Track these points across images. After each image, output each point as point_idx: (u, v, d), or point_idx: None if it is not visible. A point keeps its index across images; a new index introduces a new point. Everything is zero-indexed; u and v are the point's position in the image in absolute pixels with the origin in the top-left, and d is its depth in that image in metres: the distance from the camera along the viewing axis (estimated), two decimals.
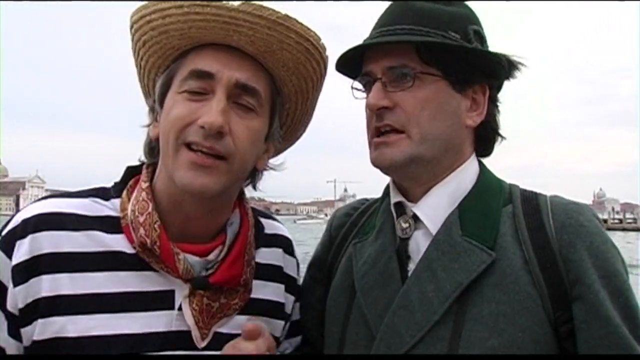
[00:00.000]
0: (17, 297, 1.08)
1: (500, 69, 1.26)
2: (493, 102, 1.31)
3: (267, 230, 1.40)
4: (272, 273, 1.36)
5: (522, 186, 1.32)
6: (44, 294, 1.09)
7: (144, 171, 1.25)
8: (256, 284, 1.29)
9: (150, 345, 1.14)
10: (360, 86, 1.32)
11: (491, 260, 1.14)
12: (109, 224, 1.18)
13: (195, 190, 1.13)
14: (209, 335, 1.19)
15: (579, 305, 1.11)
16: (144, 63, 1.22)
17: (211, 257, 1.22)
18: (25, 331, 1.09)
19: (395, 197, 1.32)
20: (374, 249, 1.30)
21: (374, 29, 1.26)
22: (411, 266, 1.24)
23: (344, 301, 1.31)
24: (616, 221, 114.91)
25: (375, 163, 1.25)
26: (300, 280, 1.48)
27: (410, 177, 1.28)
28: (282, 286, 1.38)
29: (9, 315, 1.09)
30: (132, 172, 1.27)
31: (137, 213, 1.17)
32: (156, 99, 1.21)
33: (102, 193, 1.23)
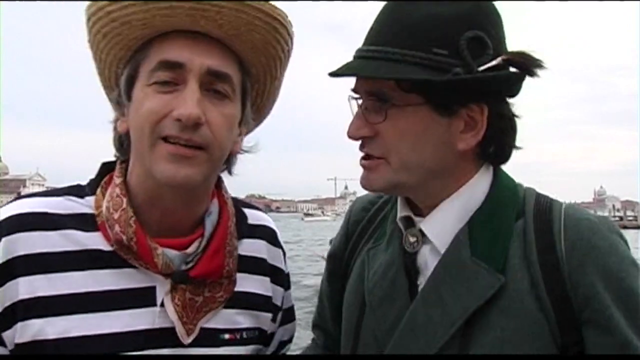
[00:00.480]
0: None
1: (500, 82, 1.13)
2: (499, 116, 1.16)
3: (251, 221, 1.37)
4: (256, 265, 1.34)
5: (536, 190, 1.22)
6: (21, 296, 1.07)
7: (117, 167, 1.22)
8: (240, 276, 1.27)
9: (133, 343, 1.12)
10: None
11: (500, 285, 1.08)
12: (85, 222, 1.16)
13: (178, 182, 1.10)
14: (194, 331, 1.17)
15: (591, 329, 1.04)
16: (105, 56, 1.17)
17: (190, 250, 1.18)
18: (6, 335, 1.08)
19: (402, 211, 1.25)
20: (385, 258, 1.25)
21: (363, 42, 1.19)
22: (421, 280, 1.19)
23: (356, 310, 1.27)
24: (616, 219, 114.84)
25: (362, 185, 1.21)
26: (286, 270, 1.45)
27: (409, 196, 1.24)
28: (268, 279, 1.36)
29: None
30: (107, 169, 1.25)
31: (111, 210, 1.15)
32: (122, 93, 1.16)
33: (76, 191, 1.21)
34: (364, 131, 1.16)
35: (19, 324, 1.07)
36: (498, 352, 1.04)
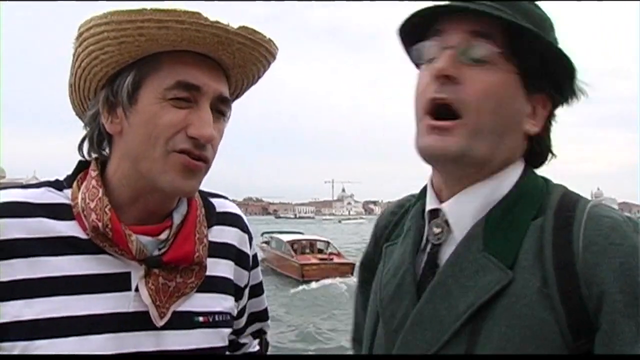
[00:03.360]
0: None
1: (571, 82, 1.12)
2: (550, 119, 1.15)
3: (219, 209, 1.43)
4: (226, 251, 1.39)
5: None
6: (1, 279, 1.12)
7: (92, 162, 1.26)
8: (211, 261, 1.32)
9: (109, 325, 1.16)
10: (422, 52, 1.15)
11: (507, 281, 1.03)
12: (62, 211, 1.21)
13: (184, 193, 1.22)
14: (167, 314, 1.21)
15: (600, 336, 0.96)
16: (107, 56, 1.17)
17: (162, 236, 1.24)
18: None
19: (431, 204, 1.19)
20: (399, 254, 1.22)
21: None
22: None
23: (373, 313, 1.26)
24: None
25: (427, 151, 1.10)
26: (251, 253, 1.49)
27: (450, 174, 1.15)
28: (233, 263, 1.41)
29: None
30: (82, 166, 1.30)
31: (87, 200, 1.20)
32: (123, 95, 1.19)
33: (55, 184, 1.27)
34: (453, 71, 1.06)
35: (2, 304, 1.11)
36: (503, 350, 1.00)
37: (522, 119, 1.11)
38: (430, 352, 1.06)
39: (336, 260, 25.81)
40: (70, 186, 1.25)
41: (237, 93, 1.35)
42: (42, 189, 1.24)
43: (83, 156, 1.29)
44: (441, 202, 1.16)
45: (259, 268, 1.54)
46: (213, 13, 1.16)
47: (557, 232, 1.04)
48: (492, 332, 1.02)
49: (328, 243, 28.73)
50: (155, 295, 1.20)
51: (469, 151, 1.07)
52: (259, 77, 1.34)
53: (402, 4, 1.32)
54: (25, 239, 1.15)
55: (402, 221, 1.31)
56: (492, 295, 1.03)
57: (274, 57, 1.28)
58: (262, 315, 1.58)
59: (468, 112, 1.06)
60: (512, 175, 1.13)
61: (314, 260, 25.67)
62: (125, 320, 1.18)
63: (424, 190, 1.24)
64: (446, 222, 1.14)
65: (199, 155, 1.18)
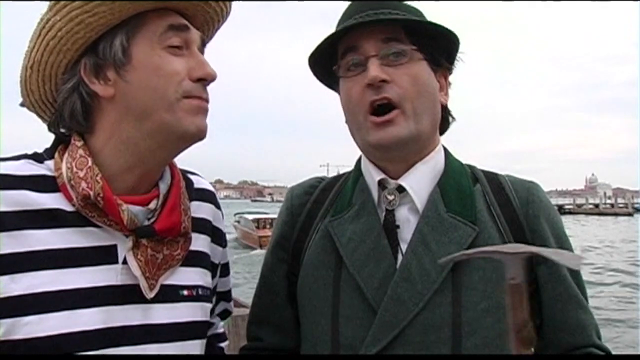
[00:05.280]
0: None
1: (456, 52, 1.40)
2: (449, 87, 1.42)
3: (196, 185, 1.43)
4: (204, 226, 1.40)
5: (513, 171, 1.41)
6: None
7: (74, 133, 1.24)
8: (193, 236, 1.32)
9: (97, 299, 1.14)
10: (342, 69, 1.36)
11: (475, 234, 1.29)
12: (45, 183, 1.18)
13: (203, 133, 1.23)
14: (156, 287, 1.21)
15: (543, 267, 1.32)
16: (95, 19, 1.16)
17: (151, 205, 1.23)
18: None
19: (377, 176, 1.38)
20: (358, 227, 1.36)
21: (346, 17, 1.33)
22: (400, 238, 1.32)
23: (329, 277, 1.35)
24: (608, 206, 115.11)
25: (381, 142, 1.30)
26: (224, 230, 1.52)
27: (401, 155, 1.35)
28: (209, 238, 1.42)
29: None
30: (59, 139, 1.27)
31: (75, 169, 1.17)
32: (117, 56, 1.18)
33: (34, 156, 1.23)
34: (384, 75, 1.28)
35: None
36: (483, 290, 1.25)
37: (437, 94, 1.35)
38: (422, 302, 1.24)
39: None
40: (51, 157, 1.22)
41: None
42: (21, 161, 1.20)
43: (56, 133, 1.26)
44: (389, 176, 1.37)
45: (227, 248, 1.54)
46: None
47: (497, 195, 1.37)
48: (472, 275, 1.26)
49: None
50: (145, 266, 1.19)
51: (415, 132, 1.30)
52: (212, 37, 1.38)
53: None
54: (9, 212, 1.12)
55: (324, 199, 1.48)
56: (467, 246, 1.27)
57: (228, 15, 1.35)
58: (227, 296, 1.59)
59: (405, 102, 1.28)
60: (441, 152, 1.41)
61: (269, 233, 30.13)
62: (113, 294, 1.16)
63: (358, 169, 1.45)
64: (398, 189, 1.35)
65: (206, 98, 1.23)
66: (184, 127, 1.19)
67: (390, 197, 1.35)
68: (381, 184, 1.38)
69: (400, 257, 1.30)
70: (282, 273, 1.49)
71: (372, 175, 1.39)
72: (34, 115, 1.31)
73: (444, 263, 1.19)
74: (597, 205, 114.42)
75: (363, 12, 1.30)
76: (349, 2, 1.37)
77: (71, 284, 1.13)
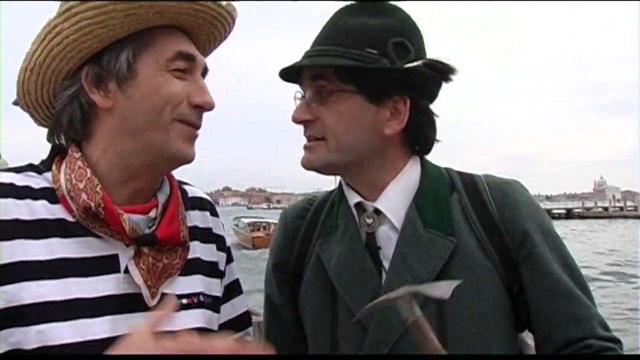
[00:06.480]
0: None
1: (420, 80, 1.35)
2: (419, 110, 1.37)
3: (190, 194, 1.45)
4: (203, 234, 1.41)
5: (519, 176, 1.42)
6: (1, 261, 1.09)
7: (72, 144, 1.25)
8: (191, 244, 1.33)
9: (102, 308, 1.15)
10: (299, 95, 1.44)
11: (453, 246, 1.33)
12: (47, 194, 1.19)
13: (190, 159, 1.25)
14: (157, 295, 1.22)
15: (526, 266, 1.34)
16: (104, 31, 1.16)
17: (152, 214, 1.25)
18: None
19: (353, 199, 1.43)
20: (344, 249, 1.41)
21: (310, 46, 1.41)
22: (382, 257, 1.37)
23: (326, 298, 1.41)
24: (617, 209, 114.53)
25: (302, 164, 1.41)
26: (227, 238, 1.53)
27: (343, 175, 1.45)
28: (214, 245, 1.43)
29: None
30: (55, 150, 1.28)
31: (74, 181, 1.18)
32: (121, 70, 1.19)
33: (33, 168, 1.24)
34: (306, 116, 1.36)
35: (2, 288, 1.09)
36: (465, 299, 1.29)
37: (379, 125, 1.35)
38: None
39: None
40: (48, 169, 1.23)
41: None
42: (22, 174, 1.21)
43: (54, 142, 1.27)
44: (365, 198, 1.41)
45: (234, 263, 1.52)
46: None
47: (473, 202, 1.39)
48: None
49: (276, 224, 40.52)
50: (147, 275, 1.20)
51: (337, 162, 1.36)
52: (209, 54, 1.40)
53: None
54: (14, 220, 1.13)
55: (317, 221, 1.52)
56: (447, 259, 1.31)
57: (229, 33, 1.36)
58: (245, 321, 1.53)
59: (329, 137, 1.35)
60: (414, 170, 1.42)
61: (261, 234, 39.29)
62: (116, 303, 1.17)
63: (341, 190, 1.49)
64: (375, 212, 1.39)
65: (199, 125, 1.25)
66: (173, 150, 1.21)
67: (369, 221, 1.39)
68: (360, 206, 1.42)
69: (384, 276, 1.35)
70: (286, 292, 1.53)
71: (349, 199, 1.45)
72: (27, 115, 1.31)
73: (362, 315, 1.23)
74: (606, 209, 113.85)
75: (313, 47, 1.38)
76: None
77: (77, 293, 1.14)
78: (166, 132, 1.20)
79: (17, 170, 1.22)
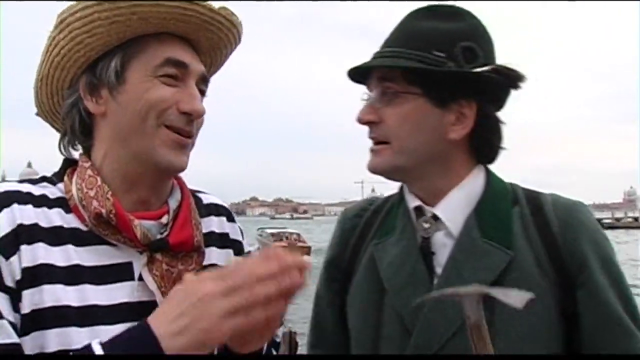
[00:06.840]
0: (13, 269, 1.10)
1: (487, 85, 1.33)
2: (485, 115, 1.36)
3: (206, 202, 1.44)
4: (220, 240, 1.40)
5: (546, 186, 1.37)
6: (25, 264, 1.11)
7: (81, 155, 1.28)
8: (207, 250, 1.33)
9: (117, 316, 1.16)
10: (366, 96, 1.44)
11: (509, 259, 1.29)
12: (61, 204, 1.22)
13: (176, 168, 1.23)
14: None
15: (583, 291, 1.29)
16: (93, 39, 1.19)
17: (163, 220, 1.26)
18: (21, 305, 1.10)
19: (413, 202, 1.42)
20: (399, 250, 1.41)
21: (381, 46, 1.41)
22: (436, 263, 1.36)
23: (374, 299, 1.40)
24: None
25: (368, 168, 1.41)
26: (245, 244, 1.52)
27: (402, 180, 1.45)
28: (231, 251, 1.42)
29: (8, 291, 1.09)
30: (67, 162, 1.31)
31: (85, 189, 1.20)
32: (110, 77, 1.21)
33: (47, 180, 1.27)
34: (370, 117, 1.36)
35: (24, 292, 1.10)
36: (516, 315, 1.17)
37: (443, 129, 1.34)
38: (454, 328, 1.27)
39: (298, 244, 37.05)
40: (61, 180, 1.25)
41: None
42: (38, 185, 1.23)
43: (63, 154, 1.30)
44: (425, 203, 1.40)
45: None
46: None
47: (535, 217, 1.35)
48: (504, 304, 1.19)
49: (298, 234, 44.91)
50: (161, 281, 1.20)
51: (401, 165, 1.36)
52: (223, 62, 1.40)
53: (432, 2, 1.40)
54: (38, 225, 1.15)
55: (374, 222, 1.53)
56: (501, 271, 1.28)
57: (240, 41, 1.35)
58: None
59: (393, 140, 1.35)
60: (479, 179, 1.40)
61: (283, 244, 38.95)
62: (131, 310, 1.17)
63: (401, 194, 1.48)
64: (433, 217, 1.38)
65: (189, 132, 1.22)
66: (157, 157, 1.20)
67: (426, 225, 1.38)
68: (419, 210, 1.41)
69: (435, 282, 1.34)
70: (336, 289, 1.54)
71: (409, 202, 1.44)
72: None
73: (427, 299, 1.25)
74: (636, 219, 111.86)
75: (382, 48, 1.38)
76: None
77: (94, 299, 1.15)
78: (151, 138, 1.19)
79: (33, 182, 1.25)
